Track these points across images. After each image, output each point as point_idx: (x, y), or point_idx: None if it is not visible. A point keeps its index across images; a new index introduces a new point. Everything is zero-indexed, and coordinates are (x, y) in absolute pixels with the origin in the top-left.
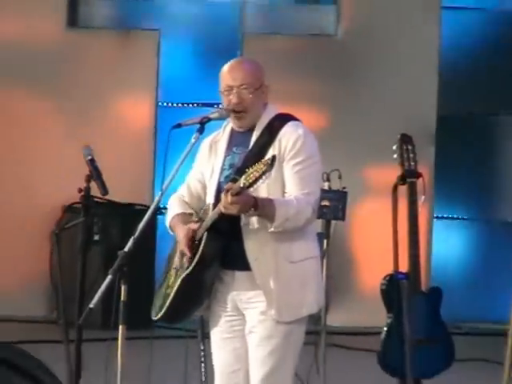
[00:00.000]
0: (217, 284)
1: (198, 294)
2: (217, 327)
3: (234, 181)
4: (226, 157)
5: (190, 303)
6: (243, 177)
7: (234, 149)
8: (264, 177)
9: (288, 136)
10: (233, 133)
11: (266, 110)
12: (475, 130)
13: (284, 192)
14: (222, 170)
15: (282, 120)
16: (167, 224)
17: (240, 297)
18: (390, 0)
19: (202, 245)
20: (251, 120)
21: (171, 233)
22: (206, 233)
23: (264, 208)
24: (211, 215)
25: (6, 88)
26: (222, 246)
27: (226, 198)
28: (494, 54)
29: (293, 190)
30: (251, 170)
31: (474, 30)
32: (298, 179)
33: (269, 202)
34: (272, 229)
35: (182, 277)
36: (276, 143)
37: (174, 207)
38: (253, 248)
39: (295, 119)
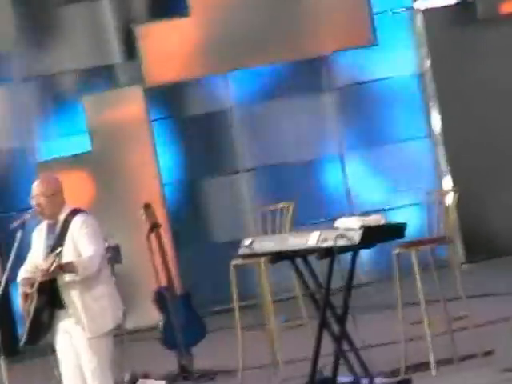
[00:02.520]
0: (54, 319)
1: (41, 327)
2: (59, 346)
3: (51, 254)
4: (46, 239)
5: (39, 332)
6: (45, 261)
7: (50, 235)
8: (56, 262)
9: (77, 222)
10: (48, 224)
11: (63, 208)
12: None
13: (79, 255)
14: (45, 248)
15: (73, 214)
16: (18, 280)
17: (66, 324)
18: None
19: (35, 299)
20: (49, 215)
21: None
22: (36, 292)
23: (67, 267)
24: (37, 281)
25: None
26: (49, 297)
27: (41, 272)
28: None
29: (85, 250)
30: (51, 255)
31: None
32: (87, 244)
33: (71, 264)
34: (78, 277)
35: (29, 318)
36: (71, 229)
37: (20, 275)
38: (66, 295)
39: (82, 211)
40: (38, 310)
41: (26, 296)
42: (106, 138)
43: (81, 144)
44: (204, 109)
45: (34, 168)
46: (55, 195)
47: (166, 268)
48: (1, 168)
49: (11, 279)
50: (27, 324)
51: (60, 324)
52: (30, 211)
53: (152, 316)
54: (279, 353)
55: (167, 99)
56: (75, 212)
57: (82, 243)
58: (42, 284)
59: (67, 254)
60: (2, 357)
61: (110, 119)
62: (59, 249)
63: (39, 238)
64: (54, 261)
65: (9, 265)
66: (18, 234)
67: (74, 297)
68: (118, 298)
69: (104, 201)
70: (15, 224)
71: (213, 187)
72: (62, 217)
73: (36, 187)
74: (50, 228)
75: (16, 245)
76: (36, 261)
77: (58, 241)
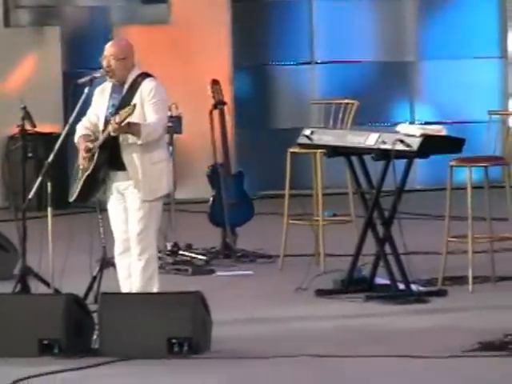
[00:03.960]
0: (107, 179)
1: (95, 185)
2: (110, 204)
3: (116, 115)
4: (109, 100)
5: (91, 190)
6: (118, 115)
7: (114, 95)
8: (130, 116)
9: (146, 86)
10: (114, 85)
11: (132, 71)
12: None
13: (145, 120)
14: (108, 108)
15: (142, 77)
16: (75, 141)
17: (121, 185)
18: None
19: (96, 156)
20: (118, 78)
21: (78, 146)
22: (98, 148)
23: (134, 128)
24: (102, 137)
25: None
26: (109, 156)
27: (113, 125)
28: None
29: (150, 117)
30: (123, 111)
31: None
32: (153, 110)
33: (136, 124)
34: (140, 141)
35: (85, 175)
36: (139, 91)
37: (79, 131)
38: (127, 155)
39: (151, 76)
40: (96, 167)
41: (87, 151)
42: (186, 11)
43: (160, 13)
44: None
45: (110, 29)
46: (126, 59)
47: (224, 146)
48: (78, 25)
49: (71, 133)
50: (82, 180)
51: (114, 184)
52: (99, 71)
53: (203, 190)
54: (322, 245)
55: None
56: (144, 76)
57: (148, 109)
58: (104, 142)
59: (133, 117)
60: (50, 208)
61: None
62: (133, 103)
63: (102, 97)
64: (128, 114)
65: (71, 119)
66: (85, 90)
67: (134, 158)
68: (171, 167)
69: (174, 71)
70: (83, 80)
71: (283, 74)
72: (130, 79)
73: (108, 48)
74: (116, 88)
75: (81, 100)
76: (93, 119)
77: (125, 100)
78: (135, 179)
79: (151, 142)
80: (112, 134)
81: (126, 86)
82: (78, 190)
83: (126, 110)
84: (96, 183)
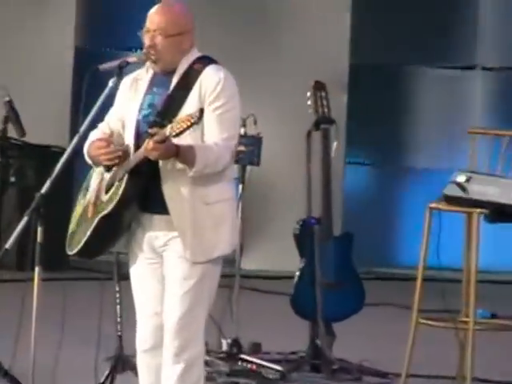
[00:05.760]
0: (134, 225)
1: (114, 233)
2: (136, 268)
3: (157, 125)
4: (145, 95)
5: (106, 241)
6: (170, 125)
7: (155, 89)
8: (192, 129)
9: (209, 79)
10: (155, 73)
11: (188, 54)
12: (386, 80)
13: (203, 134)
14: (141, 108)
15: (202, 63)
16: (85, 152)
17: (157, 239)
18: None
19: (123, 186)
20: (165, 65)
21: (88, 161)
22: (127, 174)
23: (185, 155)
24: (133, 158)
25: None
26: (142, 189)
27: (149, 144)
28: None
29: (212, 135)
30: (179, 119)
31: None
32: (218, 124)
33: (189, 149)
34: (191, 174)
35: (100, 215)
36: (197, 86)
37: (92, 138)
38: (170, 189)
39: (215, 62)
40: (120, 204)
41: (113, 159)
42: None
43: None
44: None
45: None
46: (182, 35)
47: (325, 189)
48: None
49: (81, 149)
50: (94, 222)
51: (146, 236)
52: (136, 53)
53: (286, 258)
54: (470, 363)
55: None
56: (206, 61)
57: (210, 119)
58: (136, 166)
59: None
60: (38, 267)
61: None
62: (200, 108)
63: (133, 91)
64: (188, 126)
65: (84, 126)
66: (110, 83)
67: (180, 196)
68: (237, 213)
69: (251, 66)
70: (108, 65)
71: (424, 80)
72: (184, 65)
73: (153, 17)
74: (158, 79)
75: (102, 97)
76: (116, 125)
77: (173, 98)
78: (181, 228)
79: (210, 176)
80: (150, 157)
81: (177, 77)
82: (84, 237)
83: (185, 118)
84: (116, 230)
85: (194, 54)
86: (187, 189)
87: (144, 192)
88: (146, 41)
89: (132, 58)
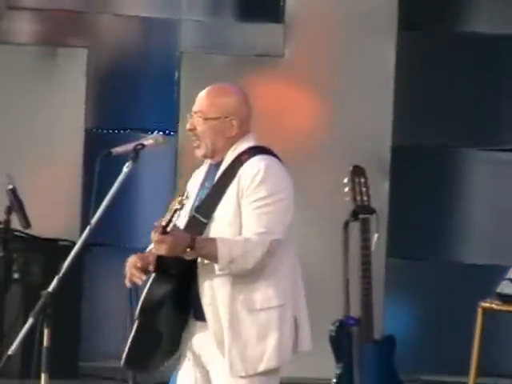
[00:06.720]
0: (185, 333)
1: (156, 342)
2: (182, 376)
3: (195, 221)
4: (199, 190)
5: (150, 351)
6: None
7: (206, 183)
8: (176, 215)
9: (247, 171)
10: (210, 165)
11: (237, 144)
12: (431, 164)
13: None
14: (193, 204)
15: (249, 153)
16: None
17: (203, 350)
18: (343, 19)
19: (146, 288)
20: (208, 152)
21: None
22: (153, 275)
23: (203, 248)
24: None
25: None
26: (171, 290)
27: (154, 236)
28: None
29: (247, 230)
30: (170, 206)
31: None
32: (255, 218)
33: (210, 242)
34: (218, 271)
35: (136, 323)
36: (236, 180)
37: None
38: (207, 292)
39: (266, 153)
40: (143, 308)
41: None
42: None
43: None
44: None
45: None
46: (224, 120)
47: (364, 287)
48: (117, 46)
49: (94, 241)
50: (135, 331)
51: (195, 342)
52: (153, 135)
53: (321, 363)
54: None
55: None
56: (254, 152)
57: (247, 213)
58: (163, 266)
59: (222, 223)
60: (45, 375)
61: None
62: (186, 194)
63: (193, 186)
64: (174, 212)
65: (95, 218)
66: (125, 168)
67: (219, 302)
68: (292, 320)
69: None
70: (122, 149)
71: (478, 166)
72: (229, 156)
73: (199, 98)
74: (211, 171)
75: (117, 184)
76: None
77: (214, 193)
78: (218, 338)
79: (241, 273)
80: (159, 251)
81: (222, 169)
82: (126, 347)
83: (172, 204)
84: (155, 339)
85: (246, 144)
86: (226, 292)
87: (180, 295)
88: (188, 125)
89: (148, 141)
